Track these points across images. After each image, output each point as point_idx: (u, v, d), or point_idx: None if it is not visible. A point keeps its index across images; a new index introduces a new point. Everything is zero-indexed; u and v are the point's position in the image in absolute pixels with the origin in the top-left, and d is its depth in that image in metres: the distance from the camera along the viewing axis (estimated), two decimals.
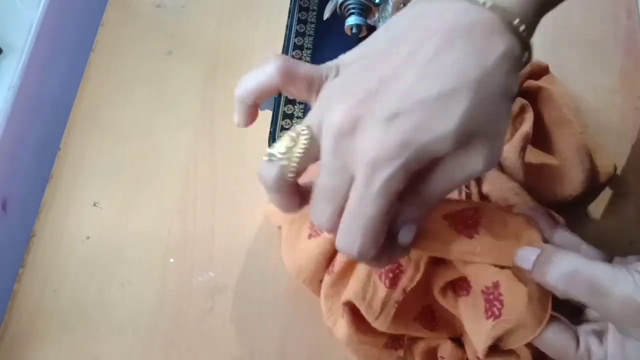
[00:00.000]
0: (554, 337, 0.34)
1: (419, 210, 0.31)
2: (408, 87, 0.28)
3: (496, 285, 0.35)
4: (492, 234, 0.35)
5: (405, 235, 0.31)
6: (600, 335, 0.34)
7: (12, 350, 0.46)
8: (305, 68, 0.32)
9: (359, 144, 0.28)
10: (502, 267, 0.35)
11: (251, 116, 0.35)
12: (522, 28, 0.29)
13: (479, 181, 0.47)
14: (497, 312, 0.34)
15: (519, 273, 0.35)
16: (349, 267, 0.40)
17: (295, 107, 0.55)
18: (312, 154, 0.30)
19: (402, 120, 0.27)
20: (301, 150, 0.30)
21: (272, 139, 0.53)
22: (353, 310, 0.39)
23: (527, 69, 0.48)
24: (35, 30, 0.58)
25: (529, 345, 0.35)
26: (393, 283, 0.37)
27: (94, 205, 0.51)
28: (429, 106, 0.27)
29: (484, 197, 0.45)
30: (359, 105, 0.28)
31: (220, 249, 0.49)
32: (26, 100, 0.57)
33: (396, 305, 0.37)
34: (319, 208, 0.30)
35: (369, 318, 0.38)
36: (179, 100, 0.56)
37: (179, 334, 0.46)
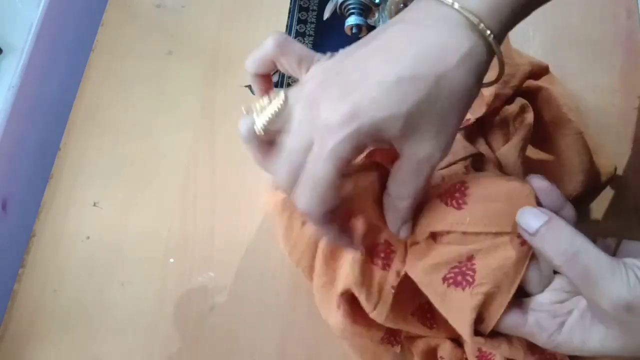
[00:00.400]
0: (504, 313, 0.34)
1: (400, 212, 0.35)
2: (373, 68, 0.31)
3: (470, 257, 0.34)
4: (482, 200, 0.35)
5: (402, 232, 0.36)
6: (554, 313, 0.34)
7: (12, 350, 0.46)
8: (298, 46, 0.36)
9: (321, 114, 0.31)
10: (496, 234, 0.34)
11: (262, 84, 0.39)
12: (488, 32, 0.30)
13: None
14: (470, 280, 0.34)
15: (498, 238, 0.34)
16: (336, 253, 0.40)
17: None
18: (282, 118, 0.33)
19: (358, 94, 0.30)
20: (273, 111, 0.33)
21: None
22: (349, 301, 0.39)
23: (527, 68, 0.48)
24: (35, 30, 0.58)
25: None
26: (386, 264, 0.37)
27: (94, 205, 0.51)
28: (386, 87, 0.30)
29: None
30: (327, 81, 0.31)
31: (220, 249, 0.49)
32: (26, 100, 0.57)
33: (393, 290, 0.37)
34: (280, 167, 0.33)
35: (368, 307, 0.37)
36: (179, 100, 0.56)
37: (179, 334, 0.46)
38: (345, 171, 0.32)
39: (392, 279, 0.37)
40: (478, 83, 0.32)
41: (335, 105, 0.30)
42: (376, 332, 0.41)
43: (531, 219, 0.32)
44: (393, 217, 0.36)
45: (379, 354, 0.42)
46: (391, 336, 0.42)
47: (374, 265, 0.38)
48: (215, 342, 0.45)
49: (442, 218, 0.35)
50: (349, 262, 0.38)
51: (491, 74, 0.34)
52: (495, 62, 0.33)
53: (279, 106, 0.33)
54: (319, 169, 0.31)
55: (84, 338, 0.46)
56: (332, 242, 0.39)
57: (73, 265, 0.49)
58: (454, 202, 0.35)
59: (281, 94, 0.33)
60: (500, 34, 0.32)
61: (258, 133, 0.34)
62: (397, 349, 0.42)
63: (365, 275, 0.37)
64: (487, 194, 0.35)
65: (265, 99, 0.34)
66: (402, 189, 0.34)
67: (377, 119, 0.30)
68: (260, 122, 0.33)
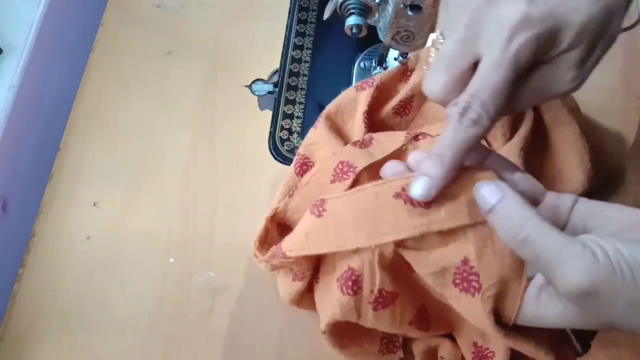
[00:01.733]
0: None
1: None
2: None
3: (465, 261, 0.32)
4: (449, 195, 0.33)
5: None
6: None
7: (12, 350, 0.46)
8: None
9: (499, 12, 0.30)
10: (473, 225, 0.32)
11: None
12: None
13: None
14: (476, 285, 0.32)
15: (479, 230, 0.32)
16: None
17: (295, 107, 0.55)
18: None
19: None
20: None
21: (272, 138, 0.53)
22: (334, 332, 0.38)
23: None
24: (35, 30, 0.58)
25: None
26: (356, 290, 0.35)
27: (94, 205, 0.51)
28: None
29: None
30: None
31: (220, 249, 0.49)
32: (26, 100, 0.57)
33: (372, 305, 0.36)
34: (434, 75, 0.31)
35: (352, 320, 0.37)
36: (179, 100, 0.56)
37: (179, 333, 0.46)
38: None
39: (367, 297, 0.36)
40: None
41: (521, 5, 0.29)
42: (370, 347, 0.41)
43: (488, 194, 0.31)
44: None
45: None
46: (389, 344, 0.41)
47: (343, 295, 0.36)
48: (215, 342, 0.45)
49: (415, 221, 0.33)
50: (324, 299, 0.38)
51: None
52: None
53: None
54: (501, 71, 0.30)
55: (84, 338, 0.46)
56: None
57: (73, 265, 0.49)
58: (420, 201, 0.32)
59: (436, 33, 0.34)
60: None
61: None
62: (400, 353, 0.42)
63: (336, 307, 0.36)
64: (453, 191, 0.33)
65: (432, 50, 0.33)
66: (531, 94, 0.32)
67: (568, 20, 0.30)
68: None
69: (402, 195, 0.33)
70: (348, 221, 0.34)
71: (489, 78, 0.30)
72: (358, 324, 0.37)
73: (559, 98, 0.35)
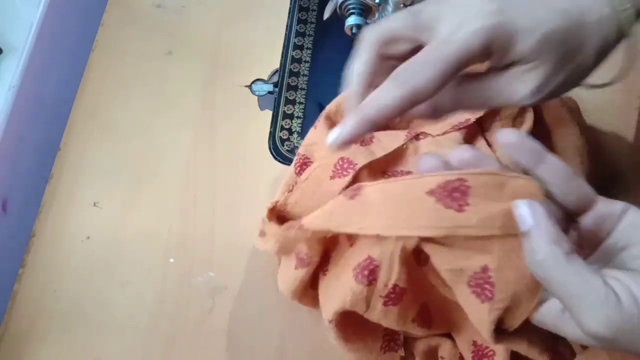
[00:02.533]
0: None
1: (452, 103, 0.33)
2: None
3: (485, 269, 0.32)
4: (486, 200, 0.31)
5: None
6: None
7: (12, 350, 0.46)
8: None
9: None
10: (502, 237, 0.31)
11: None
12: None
13: None
14: (489, 295, 0.31)
15: (507, 242, 0.31)
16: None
17: (295, 107, 0.55)
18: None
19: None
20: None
21: (272, 139, 0.53)
22: (340, 322, 0.38)
23: None
24: (35, 30, 0.58)
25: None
26: (371, 280, 0.35)
27: (94, 205, 0.51)
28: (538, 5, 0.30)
29: None
30: None
31: (220, 249, 0.49)
32: (26, 100, 0.57)
33: (383, 300, 0.36)
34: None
35: (359, 311, 0.36)
36: (179, 100, 0.56)
37: (179, 333, 0.46)
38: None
39: (380, 290, 0.35)
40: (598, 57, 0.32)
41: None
42: (373, 344, 0.41)
43: (523, 217, 0.29)
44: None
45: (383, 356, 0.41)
46: (390, 342, 0.41)
47: (357, 284, 0.35)
48: (215, 342, 0.45)
49: (444, 223, 0.31)
50: (335, 285, 0.38)
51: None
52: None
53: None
54: (447, 48, 0.30)
55: (84, 338, 0.46)
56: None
57: (73, 265, 0.49)
58: (453, 203, 0.31)
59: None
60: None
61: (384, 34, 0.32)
62: (401, 351, 0.41)
63: (348, 295, 0.36)
64: (492, 195, 0.31)
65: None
66: (482, 94, 0.33)
67: (518, 23, 0.30)
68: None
69: (436, 192, 0.32)
70: (376, 207, 0.33)
71: (431, 53, 0.30)
72: (363, 318, 0.37)
73: (510, 107, 0.35)
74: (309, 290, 0.42)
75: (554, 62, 0.31)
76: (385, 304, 0.36)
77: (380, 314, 0.36)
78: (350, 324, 0.38)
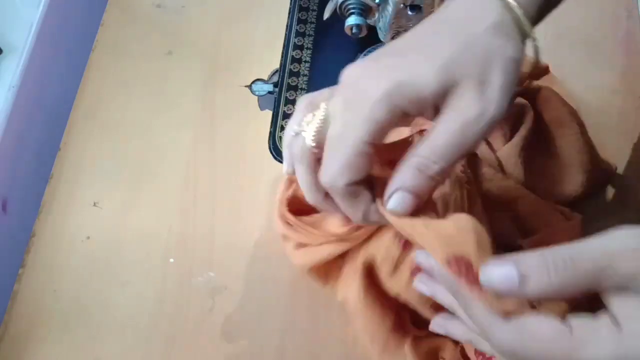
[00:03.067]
0: None
1: (415, 175, 0.31)
2: (405, 39, 0.32)
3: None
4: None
5: (393, 202, 0.31)
6: None
7: (12, 350, 0.46)
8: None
9: (360, 87, 0.31)
10: None
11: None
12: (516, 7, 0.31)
13: (477, 179, 0.47)
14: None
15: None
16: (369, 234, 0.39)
17: (295, 107, 0.55)
18: (327, 127, 0.33)
19: (392, 59, 0.31)
20: (319, 119, 0.32)
21: (272, 138, 0.53)
22: (367, 273, 0.39)
23: (526, 68, 0.48)
24: (35, 30, 0.58)
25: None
26: (406, 248, 0.36)
27: (94, 205, 0.51)
28: (418, 50, 0.31)
29: (484, 195, 0.45)
30: (367, 63, 0.32)
31: (220, 249, 0.49)
32: (26, 100, 0.57)
33: (410, 271, 0.36)
34: (327, 158, 0.33)
35: (386, 271, 0.37)
36: (179, 100, 0.56)
37: (179, 333, 0.46)
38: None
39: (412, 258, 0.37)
40: (510, 44, 0.31)
41: (374, 80, 0.30)
42: (386, 317, 0.40)
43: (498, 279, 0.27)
44: (407, 177, 0.31)
45: (390, 344, 0.41)
46: (400, 326, 0.41)
47: (393, 244, 0.37)
48: (215, 342, 0.45)
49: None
50: (377, 237, 0.38)
51: None
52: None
53: (324, 113, 0.32)
54: (350, 131, 0.30)
55: (84, 338, 0.46)
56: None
57: (73, 265, 0.49)
58: None
59: (322, 104, 0.33)
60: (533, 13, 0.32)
61: (310, 146, 0.33)
62: (408, 340, 0.41)
63: (381, 249, 0.37)
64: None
65: (309, 115, 0.33)
66: (438, 150, 0.30)
67: (410, 77, 0.30)
68: (309, 134, 0.33)
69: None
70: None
71: (344, 135, 0.31)
72: (382, 293, 0.38)
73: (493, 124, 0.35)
74: (332, 265, 0.42)
75: (470, 76, 0.30)
76: (412, 274, 0.36)
77: (404, 287, 0.37)
78: (372, 293, 0.39)
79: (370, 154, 0.31)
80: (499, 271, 0.27)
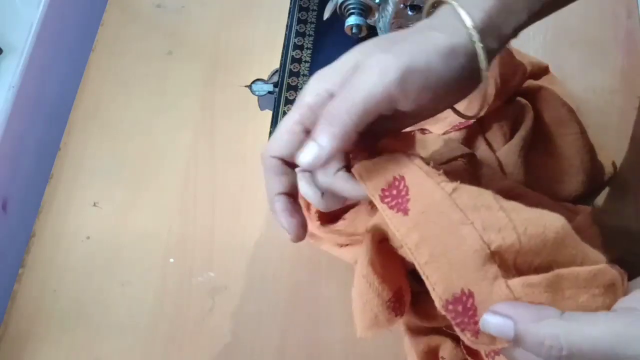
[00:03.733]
0: None
1: (327, 128, 0.32)
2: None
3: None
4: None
5: (301, 154, 0.33)
6: None
7: (12, 350, 0.46)
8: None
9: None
10: None
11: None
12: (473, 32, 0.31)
13: (478, 178, 0.47)
14: None
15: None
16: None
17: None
18: None
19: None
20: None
21: None
22: (380, 239, 0.38)
23: (526, 68, 0.48)
24: (35, 30, 0.58)
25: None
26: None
27: (94, 205, 0.51)
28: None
29: None
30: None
31: (220, 249, 0.49)
32: (26, 100, 0.57)
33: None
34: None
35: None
36: (179, 100, 0.56)
37: (179, 333, 0.46)
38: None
39: None
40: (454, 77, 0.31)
41: None
42: (390, 287, 0.40)
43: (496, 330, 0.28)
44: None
45: (380, 320, 0.40)
46: (397, 302, 0.40)
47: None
48: (215, 342, 0.45)
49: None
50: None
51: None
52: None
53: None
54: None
55: (84, 338, 0.46)
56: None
57: (73, 265, 0.49)
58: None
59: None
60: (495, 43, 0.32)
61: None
62: (399, 318, 0.40)
63: None
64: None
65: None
66: (345, 103, 0.32)
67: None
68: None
69: None
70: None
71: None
72: (391, 265, 0.38)
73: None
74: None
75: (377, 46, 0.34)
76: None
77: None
78: (381, 259, 0.38)
79: (301, 136, 0.33)
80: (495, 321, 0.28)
